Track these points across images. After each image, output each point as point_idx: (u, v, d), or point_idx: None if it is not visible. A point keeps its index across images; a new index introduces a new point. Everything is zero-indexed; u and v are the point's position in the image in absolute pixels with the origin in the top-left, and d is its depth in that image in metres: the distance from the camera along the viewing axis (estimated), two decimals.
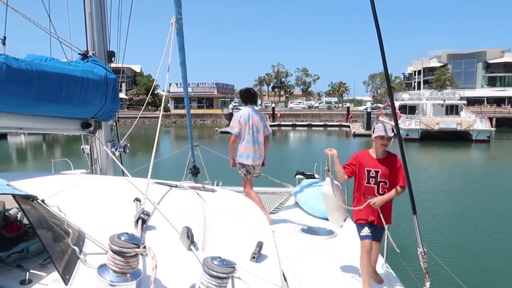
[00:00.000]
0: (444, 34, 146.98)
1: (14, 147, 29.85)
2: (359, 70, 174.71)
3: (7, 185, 1.45)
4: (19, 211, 1.70)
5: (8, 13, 2.57)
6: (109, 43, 3.06)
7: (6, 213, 1.65)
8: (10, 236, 1.55)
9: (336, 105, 66.06)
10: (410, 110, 35.20)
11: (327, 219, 3.12)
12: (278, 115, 50.78)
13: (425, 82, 72.96)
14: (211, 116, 53.40)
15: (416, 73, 79.86)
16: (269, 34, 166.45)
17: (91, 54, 2.85)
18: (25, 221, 1.66)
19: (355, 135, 35.94)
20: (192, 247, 1.68)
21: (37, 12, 2.88)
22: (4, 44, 2.59)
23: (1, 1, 2.38)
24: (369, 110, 38.56)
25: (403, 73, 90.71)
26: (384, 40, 2.43)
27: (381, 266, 2.72)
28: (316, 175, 4.72)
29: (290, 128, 46.87)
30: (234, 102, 46.24)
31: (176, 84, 47.94)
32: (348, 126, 42.96)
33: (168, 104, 55.97)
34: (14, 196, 1.42)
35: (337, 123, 48.58)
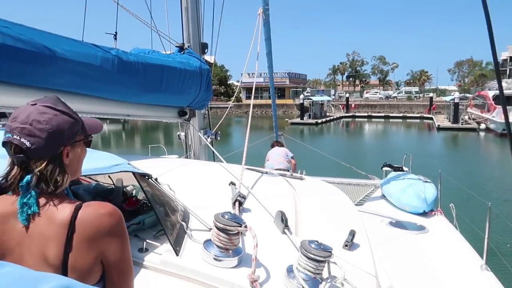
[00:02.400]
0: None
1: (99, 134, 32.58)
2: (443, 57, 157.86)
3: (128, 164, 1.64)
4: (134, 188, 1.91)
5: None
6: (203, 36, 3.24)
7: (124, 189, 1.87)
8: (129, 209, 1.75)
9: (417, 95, 61.25)
10: (508, 100, 30.84)
11: (417, 214, 2.93)
12: (353, 105, 48.77)
13: None
14: (283, 106, 52.22)
15: None
16: (344, 22, 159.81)
17: (187, 47, 3.05)
18: (139, 196, 1.87)
19: (439, 129, 32.86)
20: (286, 230, 1.74)
21: (139, 8, 3.16)
22: (115, 39, 2.91)
23: (113, 1, 2.66)
24: (456, 100, 34.74)
25: None
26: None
27: (480, 267, 2.50)
28: (404, 168, 4.49)
29: (366, 119, 44.66)
30: (306, 92, 45.31)
31: (248, 74, 48.27)
32: (431, 118, 39.57)
33: (240, 94, 56.83)
34: (134, 174, 1.60)
35: (418, 115, 45.01)
